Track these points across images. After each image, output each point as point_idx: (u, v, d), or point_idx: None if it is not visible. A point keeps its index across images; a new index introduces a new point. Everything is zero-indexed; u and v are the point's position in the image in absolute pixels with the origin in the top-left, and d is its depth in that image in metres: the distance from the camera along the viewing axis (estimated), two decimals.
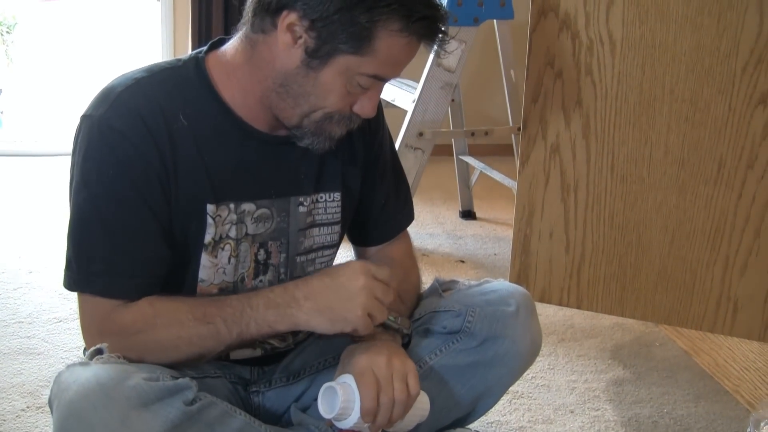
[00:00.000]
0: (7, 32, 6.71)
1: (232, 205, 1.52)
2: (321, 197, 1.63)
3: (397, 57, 1.42)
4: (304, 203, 1.60)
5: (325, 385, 1.48)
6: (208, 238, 1.51)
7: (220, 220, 1.51)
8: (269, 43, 1.44)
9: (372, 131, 1.69)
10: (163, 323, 1.45)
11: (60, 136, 5.00)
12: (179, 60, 1.54)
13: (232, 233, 1.53)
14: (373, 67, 1.41)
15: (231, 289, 1.57)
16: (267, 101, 1.49)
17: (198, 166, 1.48)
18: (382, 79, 1.45)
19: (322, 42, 1.39)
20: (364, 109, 1.48)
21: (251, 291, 1.53)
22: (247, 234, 1.55)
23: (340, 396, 1.45)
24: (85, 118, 1.46)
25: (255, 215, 1.55)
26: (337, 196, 1.65)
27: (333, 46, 1.39)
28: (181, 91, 1.49)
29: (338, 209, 1.66)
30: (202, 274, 1.53)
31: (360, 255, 1.79)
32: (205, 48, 1.55)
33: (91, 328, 1.49)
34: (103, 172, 1.44)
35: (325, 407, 1.48)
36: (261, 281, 1.60)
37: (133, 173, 1.43)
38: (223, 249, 1.53)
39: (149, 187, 1.44)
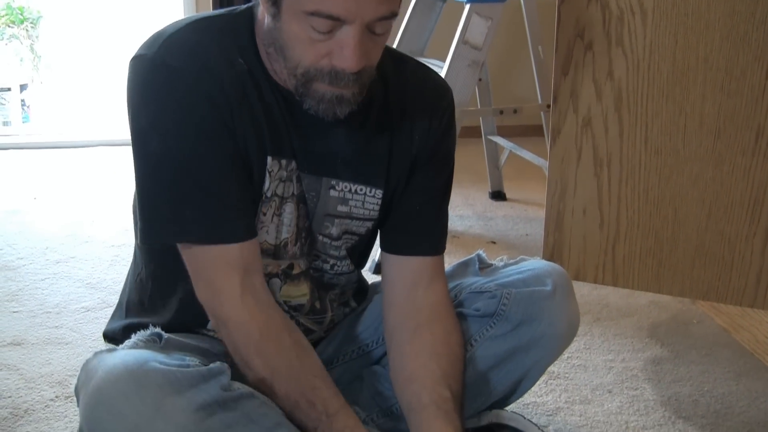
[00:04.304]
0: (32, 26, 6.72)
1: (284, 162, 1.47)
2: (360, 189, 1.56)
3: None
4: (336, 188, 1.54)
5: None
6: (264, 188, 1.46)
7: (274, 175, 1.46)
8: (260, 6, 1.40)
9: (437, 122, 1.59)
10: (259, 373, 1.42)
11: (86, 129, 5.00)
12: (234, 10, 1.48)
13: (279, 191, 1.48)
14: (314, 3, 1.28)
15: (272, 252, 1.52)
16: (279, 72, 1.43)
17: (258, 114, 1.42)
18: (335, 19, 1.29)
19: None
20: (339, 59, 1.33)
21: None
22: (293, 194, 1.50)
23: None
24: (135, 59, 1.40)
25: (297, 175, 1.49)
26: (379, 193, 1.58)
27: None
28: (237, 42, 1.43)
29: (377, 207, 1.59)
30: None
31: (383, 259, 1.66)
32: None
33: (197, 279, 1.45)
34: (168, 115, 1.37)
35: None
36: (298, 247, 1.55)
37: (199, 114, 1.37)
38: (270, 207, 1.48)
39: (216, 127, 1.38)
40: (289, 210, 1.51)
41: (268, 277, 1.54)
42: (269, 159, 1.45)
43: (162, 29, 1.43)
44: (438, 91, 1.63)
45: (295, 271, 1.58)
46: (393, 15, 1.34)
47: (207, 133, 1.38)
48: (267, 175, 1.46)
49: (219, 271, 1.42)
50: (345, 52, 1.32)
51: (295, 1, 1.30)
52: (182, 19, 1.45)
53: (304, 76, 1.36)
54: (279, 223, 1.51)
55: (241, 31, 1.45)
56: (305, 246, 1.57)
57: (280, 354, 1.41)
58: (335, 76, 1.35)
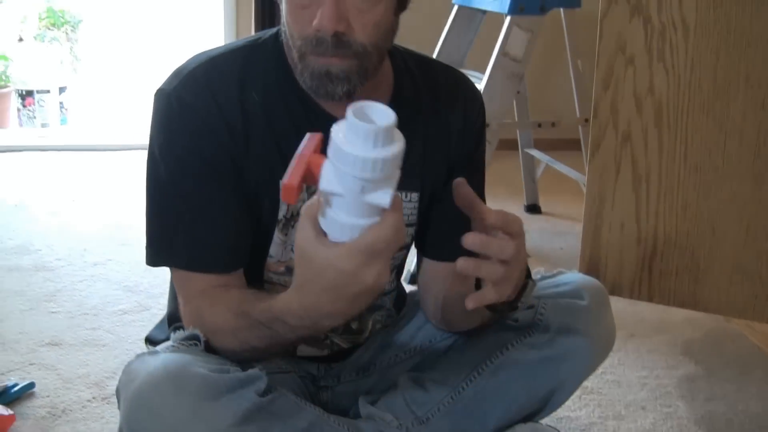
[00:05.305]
0: (72, 30, 6.79)
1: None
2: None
3: None
4: None
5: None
6: (280, 215, 1.49)
7: None
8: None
9: (472, 123, 1.61)
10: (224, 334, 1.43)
11: (124, 131, 5.04)
12: (258, 38, 1.53)
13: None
14: None
15: None
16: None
17: (270, 143, 1.46)
18: None
19: None
20: (318, 20, 1.34)
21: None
22: None
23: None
24: (158, 92, 1.47)
25: None
26: (415, 196, 1.59)
27: None
28: (255, 69, 1.48)
29: (414, 211, 1.60)
30: (272, 250, 1.51)
31: (420, 263, 1.69)
32: None
33: (185, 305, 1.50)
34: (176, 146, 1.44)
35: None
36: None
37: (205, 147, 1.42)
38: (293, 227, 1.50)
39: (221, 161, 1.43)
40: None
41: None
42: None
43: (184, 64, 1.49)
44: (470, 92, 1.65)
45: None
46: None
47: (209, 166, 1.43)
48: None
49: (197, 292, 1.48)
50: (322, 12, 1.33)
51: None
52: (203, 53, 1.51)
53: (298, 51, 1.39)
54: None
55: (266, 55, 1.50)
56: None
57: (228, 309, 1.42)
58: (317, 43, 1.36)
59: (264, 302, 1.34)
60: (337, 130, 1.05)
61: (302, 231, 1.14)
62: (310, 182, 1.10)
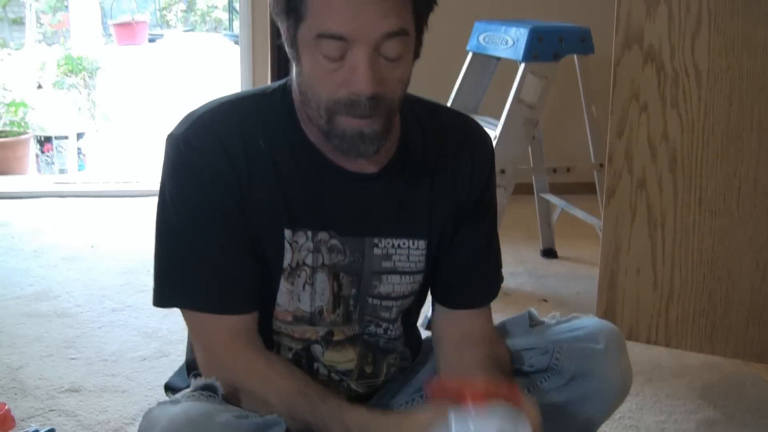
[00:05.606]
0: (90, 77, 6.86)
1: (309, 233, 1.49)
2: (403, 243, 1.56)
3: (330, 1, 1.32)
4: (379, 245, 1.55)
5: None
6: (285, 264, 1.50)
7: (297, 247, 1.49)
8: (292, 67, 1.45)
9: (479, 169, 1.61)
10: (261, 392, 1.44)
11: (141, 177, 5.07)
12: (268, 87, 1.54)
13: (309, 261, 1.50)
14: (317, 23, 1.31)
15: (308, 319, 1.54)
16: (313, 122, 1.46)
17: (275, 190, 1.47)
18: (340, 39, 1.31)
19: (285, 28, 1.38)
20: (352, 84, 1.34)
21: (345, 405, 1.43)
22: (323, 264, 1.52)
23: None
24: (168, 137, 1.48)
25: (329, 245, 1.51)
26: (422, 244, 1.58)
27: (289, 26, 1.36)
28: (263, 117, 1.49)
29: (422, 258, 1.59)
30: (280, 299, 1.52)
31: (434, 309, 1.69)
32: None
33: (199, 346, 1.52)
34: (184, 189, 1.46)
35: None
36: (338, 315, 1.57)
37: (211, 191, 1.44)
38: (299, 276, 1.51)
39: (227, 205, 1.44)
40: (321, 279, 1.53)
41: (308, 343, 1.57)
42: (288, 232, 1.48)
43: (194, 109, 1.51)
44: (479, 137, 1.64)
45: (337, 338, 1.59)
46: (402, 32, 1.34)
47: (216, 210, 1.45)
48: (288, 247, 1.49)
49: (216, 336, 1.49)
50: (356, 75, 1.33)
51: (306, 31, 1.34)
52: (215, 99, 1.53)
53: (326, 111, 1.38)
54: (312, 293, 1.53)
55: (275, 104, 1.51)
56: (354, 313, 1.58)
57: (269, 366, 1.46)
58: (351, 105, 1.36)
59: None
60: None
61: None
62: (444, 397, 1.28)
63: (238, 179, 1.45)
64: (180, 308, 1.52)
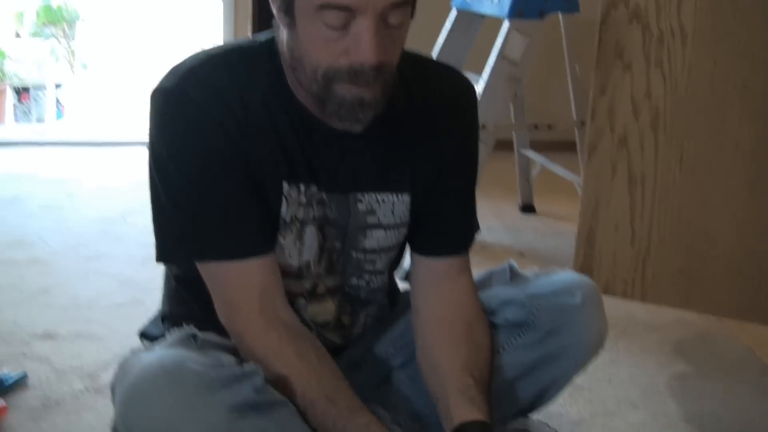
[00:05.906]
0: (69, 27, 6.79)
1: (302, 186, 1.49)
2: (387, 197, 1.56)
3: None
4: (363, 200, 1.54)
5: None
6: (281, 217, 1.49)
7: (292, 200, 1.48)
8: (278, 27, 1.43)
9: (462, 120, 1.61)
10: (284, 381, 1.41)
11: (120, 127, 5.05)
12: (254, 42, 1.51)
13: (300, 214, 1.50)
14: None
15: (295, 273, 1.54)
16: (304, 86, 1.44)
17: (273, 143, 1.45)
18: (346, 9, 1.28)
19: None
20: (356, 54, 1.32)
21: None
22: (314, 217, 1.52)
23: None
24: (155, 91, 1.44)
25: (317, 198, 1.51)
26: (407, 197, 1.57)
27: None
28: (254, 71, 1.46)
29: (406, 212, 1.59)
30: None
31: (411, 259, 1.67)
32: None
33: (219, 302, 1.49)
34: (185, 142, 1.42)
35: None
36: (321, 267, 1.56)
37: (213, 142, 1.41)
38: (291, 230, 1.50)
39: (231, 155, 1.42)
40: (310, 233, 1.52)
41: (293, 297, 1.56)
42: (285, 185, 1.47)
43: (180, 62, 1.47)
44: (460, 89, 1.63)
45: (320, 290, 1.59)
46: (406, 2, 1.33)
47: (220, 158, 1.42)
48: (284, 200, 1.48)
49: (237, 288, 1.46)
50: (361, 45, 1.30)
51: (305, 1, 1.31)
52: (200, 52, 1.49)
53: (324, 78, 1.36)
54: (301, 246, 1.52)
55: (262, 59, 1.47)
56: (337, 265, 1.58)
57: (300, 357, 1.43)
58: (355, 74, 1.34)
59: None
60: None
61: None
62: None
63: (239, 130, 1.42)
64: (197, 261, 1.48)
